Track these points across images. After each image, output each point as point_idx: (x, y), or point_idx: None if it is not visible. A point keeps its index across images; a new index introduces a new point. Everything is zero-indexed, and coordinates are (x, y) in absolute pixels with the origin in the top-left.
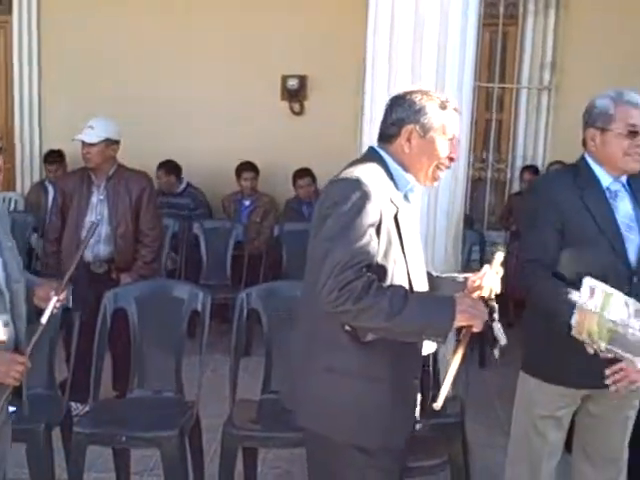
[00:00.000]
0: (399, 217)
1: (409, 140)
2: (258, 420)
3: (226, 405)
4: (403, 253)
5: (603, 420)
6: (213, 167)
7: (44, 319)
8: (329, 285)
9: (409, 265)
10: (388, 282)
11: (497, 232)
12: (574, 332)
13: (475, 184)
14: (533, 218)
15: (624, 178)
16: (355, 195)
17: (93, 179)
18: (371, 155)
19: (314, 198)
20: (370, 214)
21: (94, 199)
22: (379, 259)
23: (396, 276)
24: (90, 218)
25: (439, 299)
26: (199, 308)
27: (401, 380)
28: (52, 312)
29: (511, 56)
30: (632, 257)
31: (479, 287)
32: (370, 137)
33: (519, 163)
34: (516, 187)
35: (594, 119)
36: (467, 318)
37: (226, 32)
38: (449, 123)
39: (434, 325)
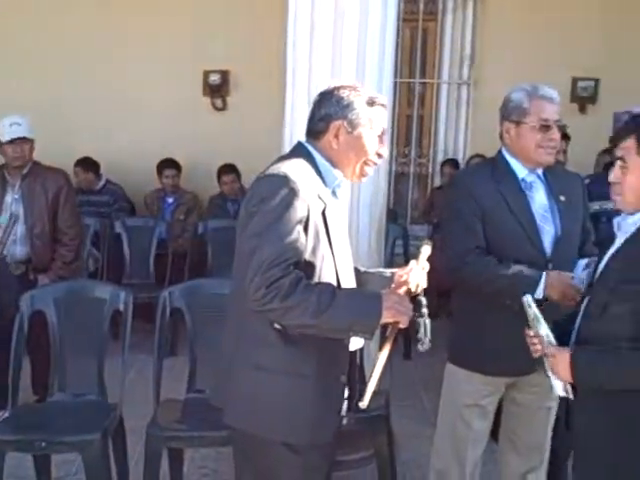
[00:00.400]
0: (327, 213)
1: (337, 136)
2: (183, 420)
3: (151, 406)
4: (331, 249)
5: (527, 408)
6: (135, 164)
7: None
8: (256, 282)
9: (337, 261)
10: (316, 279)
11: (420, 226)
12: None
13: (398, 179)
14: (456, 210)
15: (540, 170)
16: (283, 191)
17: (7, 178)
18: (299, 151)
19: (239, 194)
20: (298, 210)
21: (8, 198)
22: (307, 256)
23: (324, 272)
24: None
25: (366, 296)
26: (121, 308)
27: (329, 376)
28: None
29: (431, 52)
30: (547, 247)
31: (405, 282)
32: (292, 132)
33: (440, 157)
34: (438, 181)
35: (509, 112)
36: (393, 314)
37: (146, 27)
38: (377, 119)
39: (361, 322)
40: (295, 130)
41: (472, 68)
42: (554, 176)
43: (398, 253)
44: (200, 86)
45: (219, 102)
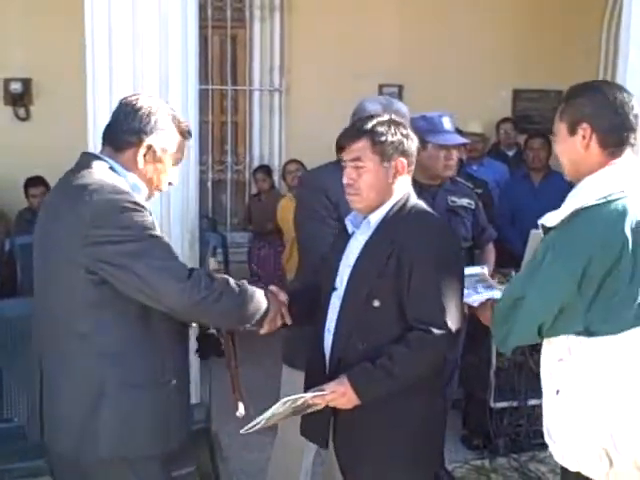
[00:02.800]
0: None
1: (145, 155)
2: None
3: None
4: None
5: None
6: None
7: None
8: (180, 288)
9: None
10: None
11: (240, 233)
12: None
13: (216, 186)
14: (311, 210)
15: None
16: (131, 206)
17: None
18: (94, 162)
19: None
20: (149, 217)
21: None
22: None
23: None
24: None
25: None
26: None
27: (182, 380)
28: None
29: (242, 59)
30: None
31: None
32: (95, 142)
33: (257, 164)
34: (255, 188)
35: None
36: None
37: None
38: (183, 149)
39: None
40: (100, 141)
41: (283, 75)
42: None
43: (220, 261)
44: (0, 95)
45: (22, 112)
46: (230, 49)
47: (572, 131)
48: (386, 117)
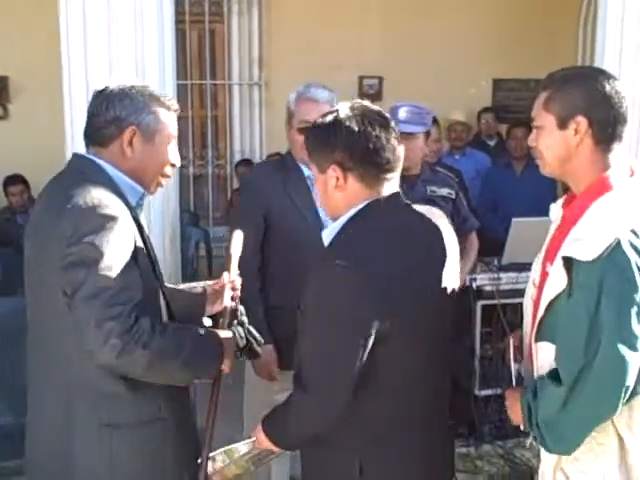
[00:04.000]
0: (144, 237)
1: (131, 143)
2: None
3: None
4: (154, 274)
5: None
6: None
7: None
8: (106, 331)
9: (161, 285)
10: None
11: (222, 227)
12: None
13: (197, 181)
14: (243, 211)
15: None
16: (106, 225)
17: None
18: (85, 167)
19: (29, 206)
20: (127, 244)
21: None
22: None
23: (152, 302)
24: None
25: (210, 336)
26: None
27: (183, 417)
28: None
29: (220, 53)
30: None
31: (222, 294)
32: (73, 139)
33: (238, 158)
34: (237, 182)
35: (286, 114)
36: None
37: None
38: (173, 126)
39: (212, 363)
40: (77, 137)
41: (262, 69)
42: None
43: (202, 255)
44: None
45: None
46: (208, 44)
47: (563, 125)
48: (321, 120)
